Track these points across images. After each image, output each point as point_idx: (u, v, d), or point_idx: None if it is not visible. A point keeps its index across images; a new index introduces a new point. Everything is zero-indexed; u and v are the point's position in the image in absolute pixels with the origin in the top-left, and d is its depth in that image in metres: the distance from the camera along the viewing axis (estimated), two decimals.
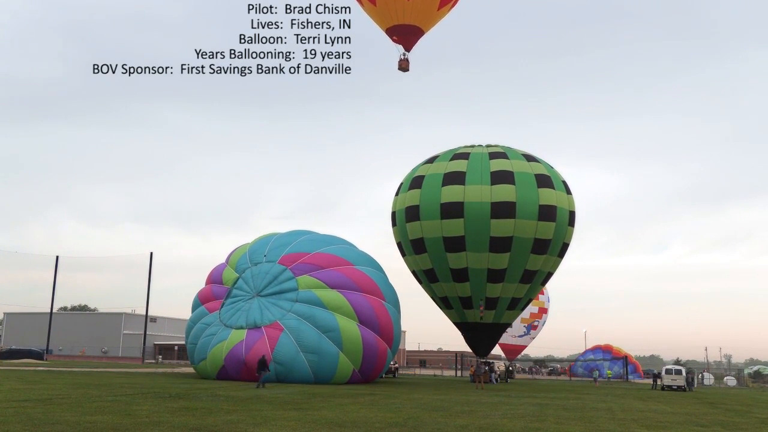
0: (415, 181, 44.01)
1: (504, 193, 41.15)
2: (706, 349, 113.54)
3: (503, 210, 40.87)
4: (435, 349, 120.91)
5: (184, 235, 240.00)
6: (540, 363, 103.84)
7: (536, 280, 43.76)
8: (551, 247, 42.43)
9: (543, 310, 76.42)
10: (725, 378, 73.63)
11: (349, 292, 34.75)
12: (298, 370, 32.70)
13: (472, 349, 48.09)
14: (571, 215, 43.85)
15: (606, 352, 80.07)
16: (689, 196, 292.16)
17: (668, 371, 47.97)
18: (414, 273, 46.05)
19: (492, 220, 40.88)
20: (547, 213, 41.67)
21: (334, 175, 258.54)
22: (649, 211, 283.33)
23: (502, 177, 41.68)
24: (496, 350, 64.85)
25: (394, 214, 46.05)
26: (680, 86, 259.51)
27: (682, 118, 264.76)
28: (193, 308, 38.22)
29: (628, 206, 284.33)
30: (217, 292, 37.32)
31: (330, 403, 20.75)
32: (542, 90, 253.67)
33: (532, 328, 77.35)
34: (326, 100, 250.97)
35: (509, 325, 48.22)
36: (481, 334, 45.42)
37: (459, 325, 46.00)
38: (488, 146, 44.99)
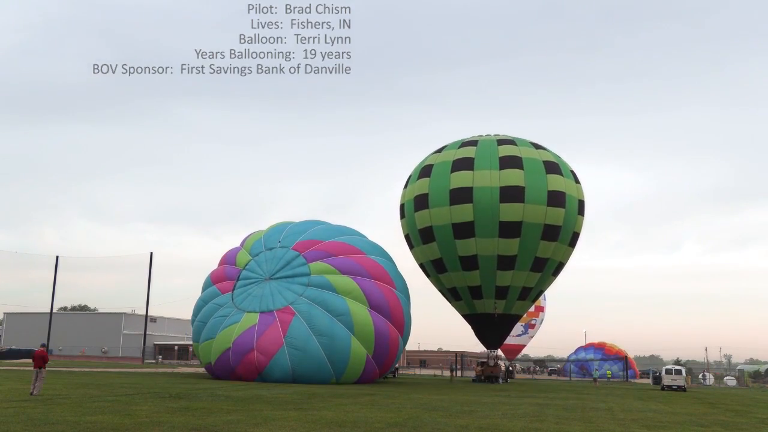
0: (424, 171, 43.83)
1: (513, 177, 41.04)
2: (706, 349, 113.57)
3: (512, 194, 40.74)
4: (435, 349, 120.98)
5: (189, 234, 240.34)
6: (540, 363, 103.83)
7: (547, 269, 43.22)
8: (561, 234, 42.14)
9: (540, 308, 76.11)
10: (725, 378, 73.65)
11: (361, 279, 35.05)
12: (311, 354, 32.74)
13: (481, 341, 47.13)
14: (581, 204, 43.64)
15: (598, 350, 79.64)
16: (706, 196, 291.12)
17: (668, 371, 47.94)
18: (422, 266, 45.56)
19: (501, 204, 40.70)
20: (556, 199, 41.53)
21: (339, 175, 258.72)
22: (664, 211, 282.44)
23: (510, 162, 41.56)
24: None
25: (402, 206, 45.73)
26: (702, 86, 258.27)
27: (702, 118, 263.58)
28: (204, 288, 38.46)
29: (645, 205, 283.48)
30: (229, 272, 37.69)
31: (330, 403, 20.74)
32: (560, 88, 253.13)
33: (529, 327, 77.08)
34: (326, 99, 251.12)
35: (520, 317, 47.45)
36: (491, 326, 44.68)
37: (468, 317, 45.35)
38: (496, 135, 44.95)
